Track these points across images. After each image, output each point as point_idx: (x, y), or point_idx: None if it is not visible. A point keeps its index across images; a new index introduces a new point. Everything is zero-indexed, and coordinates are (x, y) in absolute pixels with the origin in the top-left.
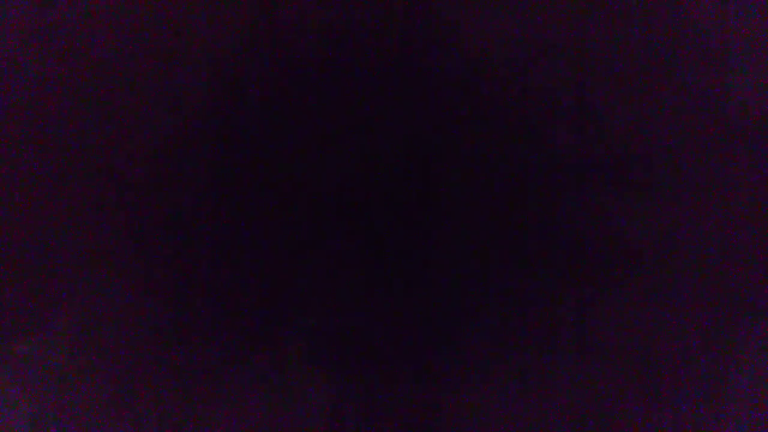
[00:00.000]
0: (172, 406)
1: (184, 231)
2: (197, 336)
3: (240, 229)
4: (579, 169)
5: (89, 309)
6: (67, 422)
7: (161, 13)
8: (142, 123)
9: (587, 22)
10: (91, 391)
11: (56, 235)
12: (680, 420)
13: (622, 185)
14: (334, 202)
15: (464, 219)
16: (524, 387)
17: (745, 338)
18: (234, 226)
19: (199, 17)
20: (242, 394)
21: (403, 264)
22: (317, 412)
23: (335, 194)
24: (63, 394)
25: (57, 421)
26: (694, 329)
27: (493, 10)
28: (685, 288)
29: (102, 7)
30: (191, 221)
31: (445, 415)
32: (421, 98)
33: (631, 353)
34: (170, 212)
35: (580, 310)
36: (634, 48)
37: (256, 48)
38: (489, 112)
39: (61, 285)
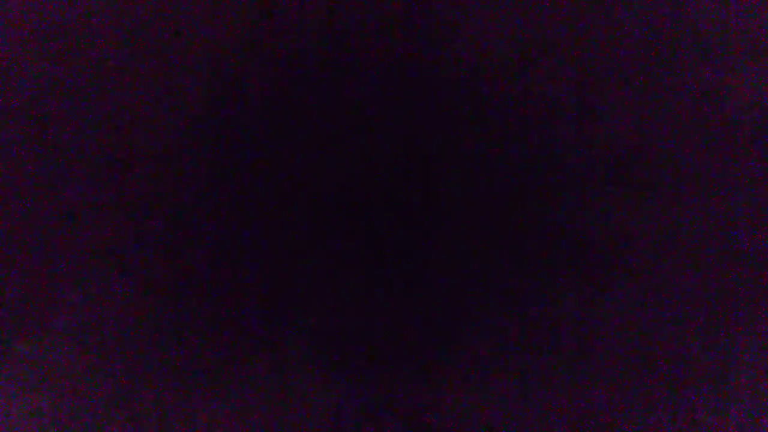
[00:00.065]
0: (172, 406)
1: (184, 231)
2: (197, 336)
3: (240, 229)
4: (579, 168)
5: (89, 309)
6: (67, 422)
7: (161, 13)
8: (142, 123)
9: (587, 22)
10: (91, 391)
11: (57, 235)
12: (680, 420)
13: (623, 185)
14: (334, 202)
15: (464, 219)
16: (524, 387)
17: (745, 338)
18: (234, 226)
19: (199, 17)
20: (242, 394)
21: (403, 264)
22: (318, 412)
23: (335, 194)
24: (63, 394)
25: (57, 421)
26: (694, 329)
27: (494, 10)
28: (685, 288)
29: (102, 7)
30: (191, 221)
31: (445, 415)
32: (422, 98)
33: (631, 353)
34: (170, 212)
35: (580, 310)
36: (634, 48)
37: (256, 48)
38: (489, 112)
39: (61, 285)
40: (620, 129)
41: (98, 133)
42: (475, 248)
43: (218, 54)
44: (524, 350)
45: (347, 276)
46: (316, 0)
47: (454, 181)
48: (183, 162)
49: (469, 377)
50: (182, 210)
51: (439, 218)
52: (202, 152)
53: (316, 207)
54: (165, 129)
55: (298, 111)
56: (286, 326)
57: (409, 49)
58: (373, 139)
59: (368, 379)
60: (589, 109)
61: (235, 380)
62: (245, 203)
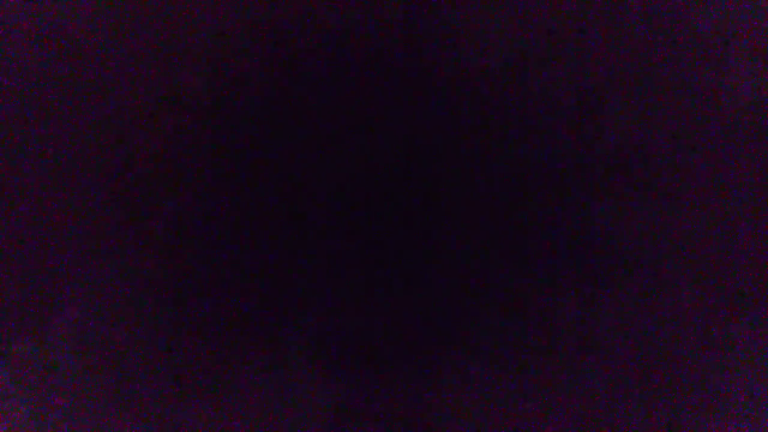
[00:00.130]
0: (172, 406)
1: (184, 231)
2: (197, 336)
3: (240, 229)
4: (579, 168)
5: (89, 309)
6: (66, 422)
7: (161, 12)
8: (143, 123)
9: (587, 22)
10: (90, 391)
11: (56, 235)
12: (680, 420)
13: (623, 185)
14: (334, 201)
15: (464, 219)
16: (524, 387)
17: (745, 338)
18: (234, 226)
19: (200, 17)
20: (242, 394)
21: (403, 264)
22: (318, 412)
23: (335, 194)
24: (63, 394)
25: (57, 421)
26: (693, 329)
27: (494, 10)
28: (684, 288)
29: (102, 7)
30: (191, 221)
31: (445, 415)
32: (422, 98)
33: (631, 353)
34: (171, 212)
35: (580, 310)
36: (634, 48)
37: (256, 48)
38: (489, 112)
39: (61, 285)
40: (620, 129)
41: (98, 132)
42: (475, 248)
43: (219, 53)
44: (524, 350)
45: (347, 276)
46: (316, 0)
47: (454, 181)
48: (183, 162)
49: (469, 377)
50: (182, 210)
51: (439, 218)
52: (202, 152)
53: (316, 207)
54: (165, 128)
55: (298, 111)
56: (286, 326)
57: (409, 49)
58: (373, 139)
59: (368, 379)
60: (589, 109)
61: (235, 380)
62: (245, 203)
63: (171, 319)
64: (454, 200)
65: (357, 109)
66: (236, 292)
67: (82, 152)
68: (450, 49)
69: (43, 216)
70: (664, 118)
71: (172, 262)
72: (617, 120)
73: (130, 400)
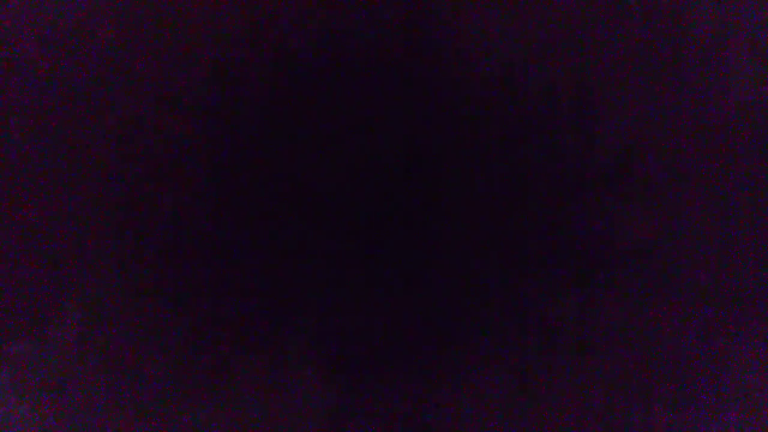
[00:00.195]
0: (172, 406)
1: (184, 231)
2: (197, 336)
3: (240, 229)
4: (579, 169)
5: (89, 309)
6: (66, 422)
7: (162, 12)
8: (142, 123)
9: (587, 22)
10: (90, 391)
11: (56, 235)
12: (680, 420)
13: (623, 185)
14: (334, 201)
15: (464, 219)
16: (524, 387)
17: (745, 338)
18: (234, 226)
19: (200, 17)
20: (242, 394)
21: (403, 264)
22: (317, 412)
23: (335, 194)
24: (63, 395)
25: (57, 422)
26: (693, 329)
27: (494, 10)
28: (684, 288)
29: (102, 6)
30: (191, 221)
31: (445, 415)
32: (422, 98)
33: (631, 353)
34: (170, 212)
35: (580, 310)
36: (634, 48)
37: (256, 48)
38: (489, 112)
39: (61, 285)
40: (620, 129)
41: (98, 133)
42: (475, 248)
43: (218, 53)
44: (524, 350)
45: (347, 276)
46: (316, 0)
47: (455, 182)
48: (183, 162)
49: (469, 377)
50: (182, 210)
51: (439, 218)
52: (202, 152)
53: (316, 207)
54: (165, 129)
55: (298, 111)
56: (285, 326)
57: (409, 49)
58: (373, 139)
59: (368, 379)
60: (589, 109)
61: (234, 380)
62: (245, 203)
63: (170, 320)
64: (454, 200)
65: (357, 110)
66: (236, 292)
67: (83, 152)
68: (450, 50)
69: (43, 216)
70: (664, 118)
71: (171, 262)
72: (617, 120)
73: (130, 400)
